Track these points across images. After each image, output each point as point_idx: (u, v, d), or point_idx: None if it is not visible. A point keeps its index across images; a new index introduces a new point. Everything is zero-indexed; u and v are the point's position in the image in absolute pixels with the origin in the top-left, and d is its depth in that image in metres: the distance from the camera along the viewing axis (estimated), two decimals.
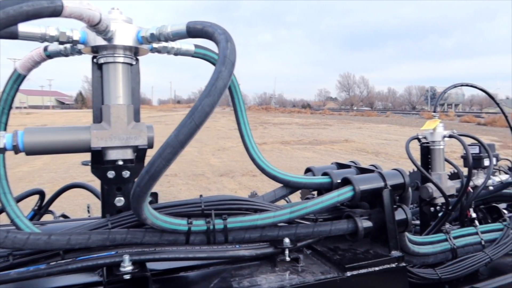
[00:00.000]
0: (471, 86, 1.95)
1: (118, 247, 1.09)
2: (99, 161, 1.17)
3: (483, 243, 1.80)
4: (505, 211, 2.52)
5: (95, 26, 0.97)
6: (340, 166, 1.45)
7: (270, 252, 1.16)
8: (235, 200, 1.18)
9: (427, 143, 1.88)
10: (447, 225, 2.07)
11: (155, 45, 1.22)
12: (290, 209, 1.16)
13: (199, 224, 1.12)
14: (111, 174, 1.17)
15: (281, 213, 1.15)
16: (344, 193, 1.19)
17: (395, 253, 1.15)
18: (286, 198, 2.10)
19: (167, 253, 1.09)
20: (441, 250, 1.73)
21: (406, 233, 1.60)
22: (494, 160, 1.97)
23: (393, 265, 1.12)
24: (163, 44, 1.23)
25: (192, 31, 1.03)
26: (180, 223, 1.10)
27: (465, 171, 2.18)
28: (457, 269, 1.65)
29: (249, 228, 1.15)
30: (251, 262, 1.18)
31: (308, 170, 1.47)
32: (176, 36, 1.08)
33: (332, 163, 1.51)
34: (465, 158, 2.18)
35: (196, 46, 1.32)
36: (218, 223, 1.13)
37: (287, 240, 1.15)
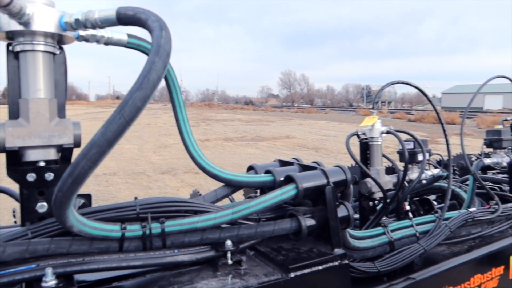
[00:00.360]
0: (407, 84, 2.03)
1: (40, 259, 0.97)
2: (16, 162, 1.03)
3: (417, 234, 1.88)
4: (435, 203, 2.67)
5: (6, 7, 0.84)
6: (283, 163, 1.43)
7: (212, 255, 1.10)
8: (173, 202, 1.10)
9: (366, 139, 1.92)
10: (385, 219, 2.14)
11: (81, 32, 1.10)
12: (232, 209, 1.11)
13: (134, 229, 1.03)
14: (31, 177, 1.04)
15: (222, 214, 1.10)
16: (287, 191, 1.16)
17: (338, 251, 1.14)
18: (230, 197, 2.05)
19: (97, 263, 0.99)
20: (380, 244, 1.77)
21: (347, 229, 1.61)
22: (427, 155, 2.07)
23: (336, 263, 1.11)
24: (91, 32, 1.11)
25: (123, 18, 0.93)
26: (113, 229, 1.01)
27: (400, 165, 2.27)
28: (394, 261, 1.69)
29: (189, 231, 1.08)
30: (191, 267, 1.11)
31: (250, 168, 1.43)
32: (105, 23, 0.98)
33: (274, 160, 1.48)
34: (401, 153, 2.27)
35: (130, 35, 1.22)
36: (155, 227, 1.05)
37: (229, 242, 1.10)
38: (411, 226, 1.90)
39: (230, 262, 1.09)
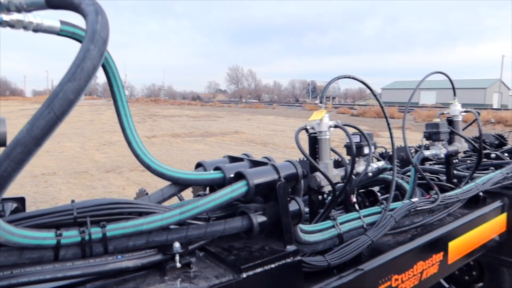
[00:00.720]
0: (354, 78, 2.06)
1: None
2: None
3: (365, 226, 1.92)
4: (379, 194, 2.77)
5: None
6: (233, 159, 1.38)
7: (158, 259, 1.03)
8: (115, 204, 1.02)
9: (315, 133, 1.93)
10: (333, 211, 2.17)
11: (5, 17, 0.98)
12: (180, 209, 1.04)
13: (71, 235, 0.94)
14: None
15: (169, 214, 1.03)
16: (238, 188, 1.12)
17: (290, 248, 1.12)
18: (179, 196, 1.97)
19: (28, 275, 0.88)
20: (330, 237, 1.79)
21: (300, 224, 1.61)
22: (372, 148, 2.12)
23: (289, 260, 1.09)
24: (17, 16, 0.99)
25: (53, 1, 0.84)
26: (46, 236, 0.91)
27: (348, 159, 2.31)
28: (344, 254, 1.72)
29: (133, 235, 1.01)
30: (137, 273, 1.04)
31: (199, 165, 1.36)
32: (32, 6, 0.87)
33: (224, 157, 1.43)
34: (348, 147, 2.31)
35: (63, 22, 1.10)
36: (95, 232, 0.96)
37: (177, 244, 1.04)
38: (359, 218, 1.93)
39: (178, 265, 1.03)
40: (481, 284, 3.58)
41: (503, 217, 2.83)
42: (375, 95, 2.04)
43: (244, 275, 1.00)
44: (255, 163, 1.29)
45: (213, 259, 1.11)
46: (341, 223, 1.86)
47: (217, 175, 1.21)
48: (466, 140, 2.73)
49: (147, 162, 1.19)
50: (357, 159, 2.14)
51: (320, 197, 1.98)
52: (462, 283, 3.71)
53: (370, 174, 2.27)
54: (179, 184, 1.22)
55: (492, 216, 2.72)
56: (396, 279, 1.95)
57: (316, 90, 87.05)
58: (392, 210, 2.03)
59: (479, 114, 2.88)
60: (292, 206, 1.22)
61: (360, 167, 2.11)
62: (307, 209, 2.17)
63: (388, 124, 2.04)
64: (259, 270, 1.02)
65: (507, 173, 2.89)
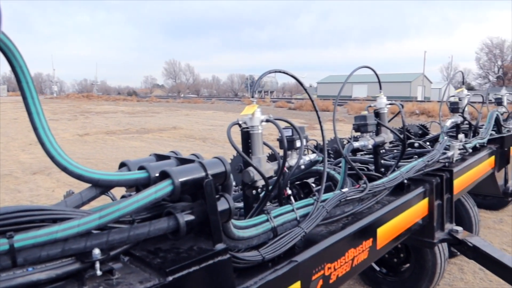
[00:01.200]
0: (285, 73, 2.08)
1: None
2: None
3: (298, 218, 1.95)
4: (313, 185, 2.84)
5: None
6: (160, 157, 1.32)
7: (76, 268, 0.96)
8: (24, 211, 0.92)
9: (247, 128, 1.92)
10: (269, 205, 2.19)
11: None
12: (100, 213, 0.97)
13: None
14: None
15: (88, 219, 0.96)
16: (163, 188, 1.07)
17: (219, 246, 1.10)
18: (110, 195, 1.86)
19: None
20: (264, 231, 1.79)
21: (232, 220, 1.59)
22: (304, 141, 2.16)
23: (218, 259, 1.06)
24: None
25: None
26: None
27: (281, 152, 2.34)
28: (278, 247, 1.73)
29: (47, 244, 0.92)
30: (52, 285, 0.95)
31: (123, 165, 1.29)
32: None
33: (150, 155, 1.36)
34: (281, 140, 2.34)
35: None
36: (1, 244, 0.87)
37: (96, 251, 0.97)
38: (292, 210, 1.96)
39: (99, 273, 0.96)
40: (408, 265, 3.84)
41: (425, 202, 3.04)
42: (305, 89, 2.08)
43: (170, 278, 0.96)
44: (182, 161, 1.24)
45: (138, 263, 1.05)
46: (275, 217, 1.88)
47: (141, 174, 1.15)
48: (392, 131, 2.89)
49: (63, 164, 1.10)
50: (290, 152, 2.17)
51: (254, 191, 1.98)
52: (392, 265, 3.96)
53: (302, 167, 2.32)
54: (100, 186, 1.14)
55: (416, 202, 2.91)
56: (329, 268, 2.01)
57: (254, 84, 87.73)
58: (324, 201, 2.09)
59: (402, 106, 3.05)
60: (221, 204, 1.19)
61: (292, 160, 2.14)
62: (241, 204, 2.17)
63: (319, 118, 2.09)
64: (186, 271, 0.98)
65: (428, 161, 3.11)
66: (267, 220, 1.84)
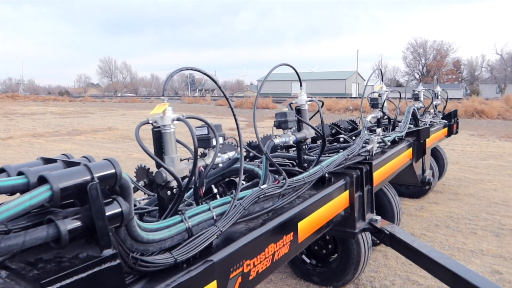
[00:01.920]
0: (197, 70, 2.05)
1: None
2: None
3: (215, 217, 1.93)
4: (244, 183, 2.85)
5: None
6: (47, 161, 1.23)
7: None
8: None
9: (159, 127, 1.87)
10: (183, 206, 2.14)
11: None
12: None
13: None
14: None
15: None
16: (39, 194, 0.99)
17: (107, 252, 1.04)
18: None
19: None
20: (177, 232, 1.75)
21: (138, 222, 1.53)
22: (220, 139, 2.15)
23: (105, 266, 1.01)
24: None
25: None
26: None
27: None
28: (191, 248, 1.70)
29: None
30: None
31: (2, 171, 1.19)
32: None
33: (37, 159, 1.27)
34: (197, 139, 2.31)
35: None
36: None
37: None
38: (209, 210, 1.94)
39: None
40: (335, 255, 4.00)
41: (346, 194, 3.17)
42: (219, 87, 2.06)
43: None
44: (69, 164, 1.17)
45: (14, 277, 0.97)
46: (190, 217, 1.85)
47: (19, 180, 1.05)
48: (312, 127, 2.97)
49: None
50: (207, 150, 2.15)
51: (169, 192, 1.94)
52: (321, 256, 4.10)
53: (220, 165, 2.31)
54: None
55: (337, 194, 3.02)
56: (248, 264, 2.02)
57: (194, 82, 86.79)
58: (241, 198, 2.09)
59: (322, 103, 3.15)
60: (113, 207, 1.14)
61: (209, 159, 2.12)
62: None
63: (234, 115, 2.09)
64: (66, 282, 0.92)
65: (347, 155, 3.25)
66: (181, 221, 1.80)
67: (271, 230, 2.20)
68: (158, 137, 1.87)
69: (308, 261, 4.14)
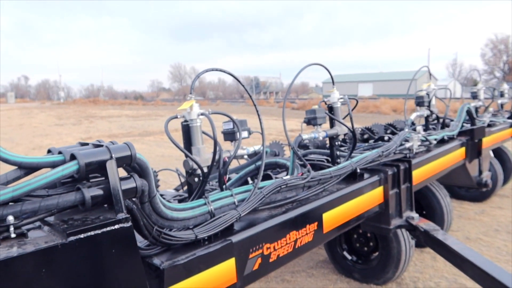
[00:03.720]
0: (223, 71, 2.27)
1: None
2: None
3: (236, 203, 2.14)
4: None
5: None
6: (82, 145, 1.54)
7: None
8: None
9: (186, 121, 2.13)
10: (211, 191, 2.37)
11: None
12: (13, 187, 1.19)
13: None
14: None
15: (1, 193, 1.18)
16: (69, 167, 1.28)
17: (120, 216, 1.30)
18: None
19: None
20: (200, 213, 1.99)
21: (163, 201, 1.80)
22: (245, 133, 2.36)
23: (118, 226, 1.27)
24: None
25: None
26: None
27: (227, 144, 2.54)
28: (212, 227, 1.92)
29: None
30: None
31: (49, 151, 1.51)
32: None
33: (76, 143, 1.58)
34: (224, 133, 2.55)
35: None
36: None
37: (10, 217, 1.19)
38: (231, 195, 2.16)
39: (13, 235, 1.18)
40: (377, 253, 4.02)
41: (380, 190, 3.21)
42: (246, 90, 2.27)
43: (70, 239, 1.17)
44: (97, 147, 1.46)
45: (51, 229, 1.27)
46: (213, 201, 2.07)
47: (58, 158, 1.36)
48: (342, 124, 3.07)
49: None
50: (232, 143, 2.38)
51: (196, 179, 2.19)
52: (362, 254, 4.14)
53: (245, 157, 2.51)
54: (23, 168, 1.35)
55: (369, 189, 3.08)
56: (268, 248, 2.18)
57: (259, 85, 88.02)
58: (263, 187, 2.28)
59: (357, 102, 3.24)
60: (129, 182, 1.41)
61: (238, 151, 2.33)
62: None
63: (257, 112, 2.28)
64: (84, 235, 1.20)
65: (382, 151, 3.28)
66: (205, 204, 2.03)
67: (293, 218, 2.34)
68: (186, 130, 2.13)
69: (349, 257, 4.19)
